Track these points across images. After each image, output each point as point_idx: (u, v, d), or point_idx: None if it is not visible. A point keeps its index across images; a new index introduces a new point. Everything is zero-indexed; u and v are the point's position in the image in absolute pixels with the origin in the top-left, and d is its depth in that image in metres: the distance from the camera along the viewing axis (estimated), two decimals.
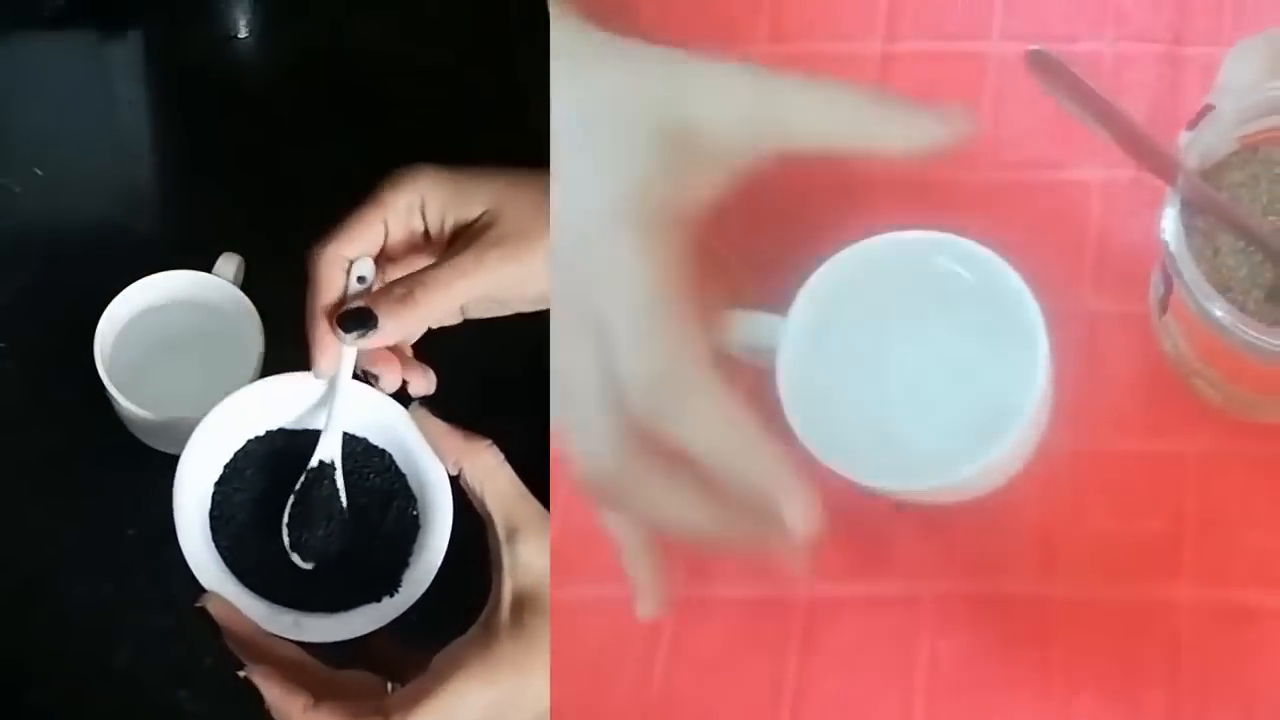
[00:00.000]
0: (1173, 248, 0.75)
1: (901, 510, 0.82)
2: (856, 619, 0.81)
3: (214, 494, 0.78)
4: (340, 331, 0.77)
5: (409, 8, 1.04)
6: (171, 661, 0.86)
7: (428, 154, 0.96)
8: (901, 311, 0.81)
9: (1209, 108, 0.77)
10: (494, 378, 0.93)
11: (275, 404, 0.79)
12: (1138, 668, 0.78)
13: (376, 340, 0.78)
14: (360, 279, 0.79)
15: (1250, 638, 0.78)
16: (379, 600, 0.78)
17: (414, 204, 0.80)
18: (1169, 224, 0.76)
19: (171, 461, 0.77)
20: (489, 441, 0.77)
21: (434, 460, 0.79)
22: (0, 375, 0.93)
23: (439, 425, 0.78)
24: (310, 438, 0.79)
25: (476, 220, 0.80)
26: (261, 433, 0.79)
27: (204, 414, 0.77)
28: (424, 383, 0.81)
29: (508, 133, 0.94)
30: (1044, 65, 0.77)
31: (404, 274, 0.79)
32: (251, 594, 0.76)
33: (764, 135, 0.76)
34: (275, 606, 0.76)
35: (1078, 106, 0.76)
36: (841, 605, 0.82)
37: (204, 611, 0.75)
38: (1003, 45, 0.91)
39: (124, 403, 0.88)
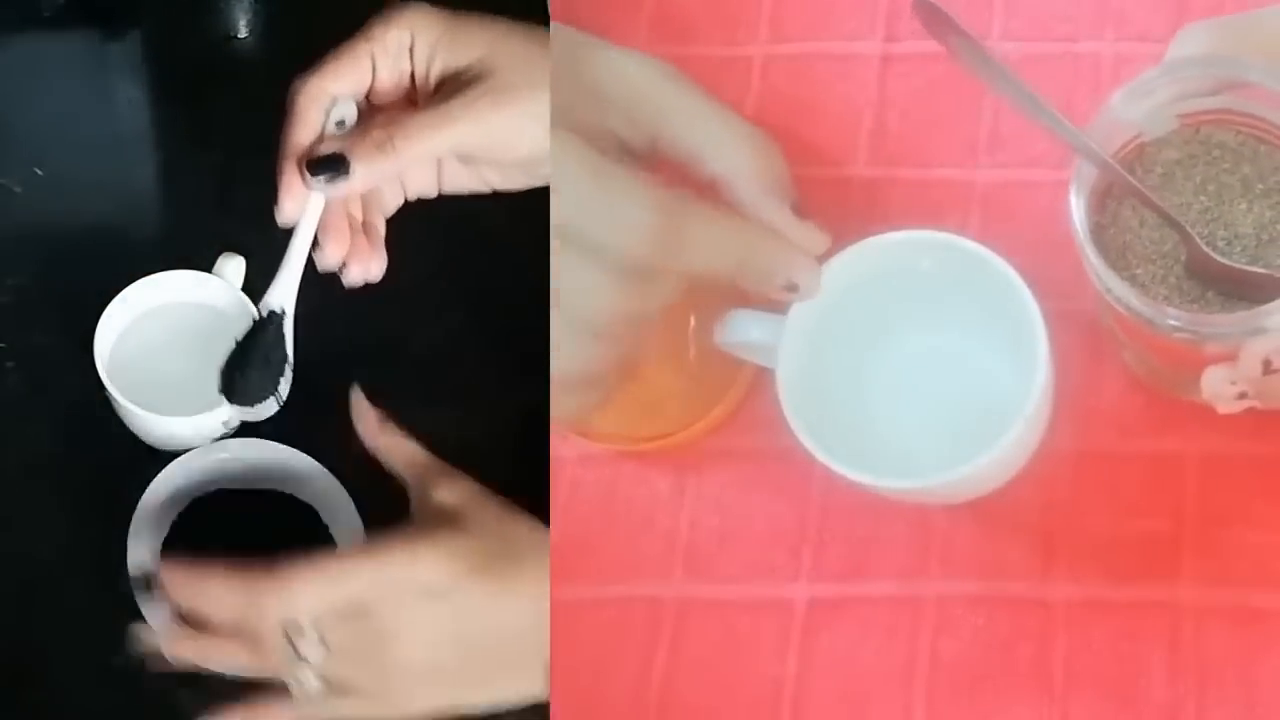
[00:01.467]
0: (1075, 219, 0.75)
1: (901, 510, 0.83)
2: (856, 619, 0.81)
3: (161, 552, 0.84)
4: (308, 175, 0.74)
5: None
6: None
7: None
8: (901, 311, 0.81)
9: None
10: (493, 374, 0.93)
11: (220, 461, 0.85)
12: (1138, 668, 0.78)
13: (347, 188, 0.74)
14: (339, 123, 0.75)
15: (1250, 637, 0.78)
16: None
17: (404, 42, 0.75)
18: (1074, 195, 0.75)
19: (171, 457, 0.84)
20: (382, 415, 0.78)
21: (339, 491, 0.84)
22: (0, 375, 0.93)
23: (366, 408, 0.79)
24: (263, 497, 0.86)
25: (466, 69, 0.75)
26: (206, 493, 0.86)
27: (204, 413, 0.80)
28: (373, 268, 0.78)
29: None
30: (932, 17, 0.74)
31: (385, 118, 0.75)
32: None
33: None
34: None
35: (970, 62, 0.75)
36: (841, 605, 0.82)
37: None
38: (1003, 45, 0.91)
39: (125, 403, 0.87)
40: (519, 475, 0.87)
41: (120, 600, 0.86)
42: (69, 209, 0.97)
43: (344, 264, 0.77)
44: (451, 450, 0.90)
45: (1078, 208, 0.75)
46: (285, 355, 0.77)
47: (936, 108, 0.90)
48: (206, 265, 0.93)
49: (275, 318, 0.77)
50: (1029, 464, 0.80)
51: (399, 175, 0.76)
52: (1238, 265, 0.74)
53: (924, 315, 0.82)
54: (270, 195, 0.77)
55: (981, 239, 0.78)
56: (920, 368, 0.83)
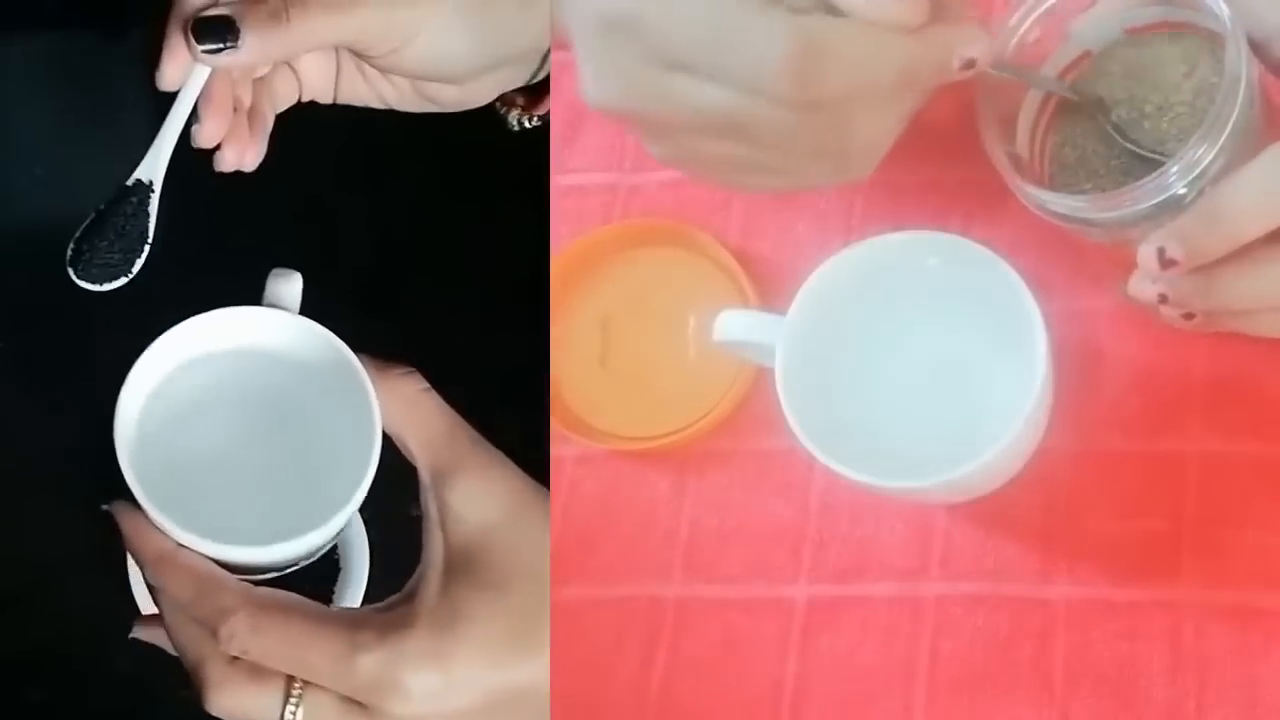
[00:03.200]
0: (985, 135, 0.77)
1: (901, 510, 0.83)
2: (856, 619, 0.81)
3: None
4: (193, 40, 0.70)
5: None
6: (171, 661, 0.86)
7: (428, 152, 0.96)
8: (901, 311, 0.81)
9: None
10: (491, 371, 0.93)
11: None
12: (1138, 668, 0.78)
13: (235, 59, 0.70)
14: None
15: (1250, 637, 0.78)
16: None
17: None
18: (983, 112, 0.78)
19: None
20: (408, 368, 0.69)
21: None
22: (0, 375, 0.93)
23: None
24: None
25: None
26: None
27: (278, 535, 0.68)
28: (248, 155, 0.73)
29: (507, 132, 0.94)
30: None
31: None
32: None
33: None
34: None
35: None
36: (841, 605, 0.82)
37: (109, 516, 0.70)
38: None
39: (174, 529, 0.68)
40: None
41: (120, 600, 0.86)
42: (69, 209, 0.97)
43: (219, 145, 0.74)
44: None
45: (986, 129, 0.77)
46: (145, 232, 0.71)
47: (935, 108, 0.90)
48: (206, 263, 0.93)
49: (141, 188, 0.72)
50: (1029, 464, 0.80)
51: (292, 58, 0.72)
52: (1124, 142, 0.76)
53: (924, 315, 0.82)
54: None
55: (981, 239, 0.78)
56: (919, 368, 0.83)
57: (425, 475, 0.68)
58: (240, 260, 0.75)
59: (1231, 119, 0.73)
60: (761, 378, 0.84)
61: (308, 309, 0.71)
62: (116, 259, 0.72)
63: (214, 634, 0.67)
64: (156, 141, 0.71)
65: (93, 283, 0.72)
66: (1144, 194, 0.74)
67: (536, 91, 0.80)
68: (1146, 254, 0.73)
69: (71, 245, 0.71)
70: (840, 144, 0.72)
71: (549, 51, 0.77)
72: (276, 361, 0.69)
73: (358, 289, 0.89)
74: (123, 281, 0.71)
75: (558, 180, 0.90)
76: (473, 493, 0.67)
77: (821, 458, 0.77)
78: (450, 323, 0.93)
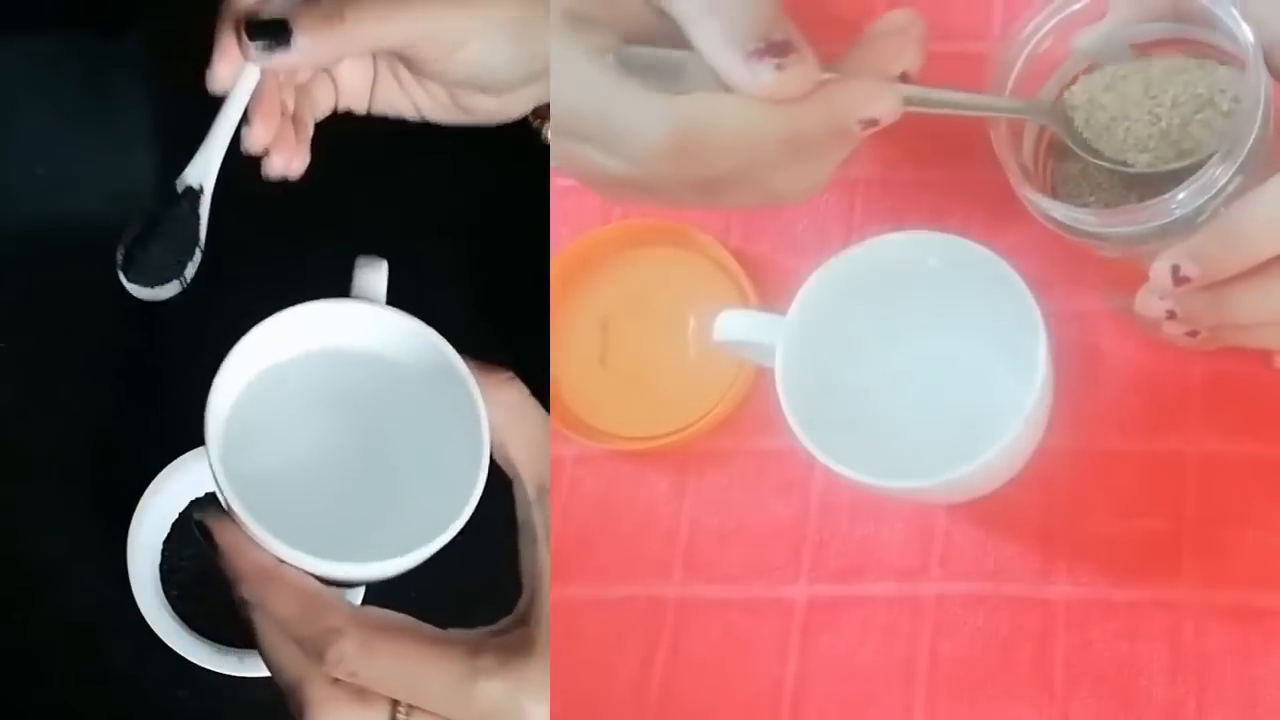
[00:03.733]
0: (994, 140, 0.77)
1: (901, 510, 0.83)
2: (856, 619, 0.81)
3: (163, 550, 0.83)
4: (247, 40, 0.69)
5: None
6: (171, 661, 0.86)
7: (428, 151, 0.96)
8: (901, 311, 0.81)
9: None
10: None
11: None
12: (1138, 668, 0.78)
13: (287, 60, 0.69)
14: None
15: (1250, 637, 0.78)
16: None
17: None
18: (992, 126, 0.78)
19: (172, 457, 0.83)
20: (510, 373, 0.66)
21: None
22: (0, 375, 0.93)
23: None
24: None
25: None
26: (203, 494, 0.83)
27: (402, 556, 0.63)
28: (295, 163, 0.73)
29: (507, 132, 0.94)
30: None
31: None
32: (198, 637, 0.80)
33: None
34: (220, 647, 0.80)
35: None
36: (841, 605, 0.82)
37: (201, 527, 0.65)
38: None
39: (275, 544, 0.63)
40: None
41: (120, 600, 0.86)
42: (69, 209, 0.97)
43: (268, 150, 0.73)
44: None
45: (997, 137, 0.78)
46: (196, 236, 0.70)
47: (936, 119, 0.90)
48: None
49: (191, 194, 0.71)
50: (1029, 464, 0.80)
51: (344, 60, 0.72)
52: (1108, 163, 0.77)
53: (924, 315, 0.82)
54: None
55: (982, 239, 0.78)
56: (920, 367, 0.83)
57: (529, 488, 0.66)
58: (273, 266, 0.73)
59: (1251, 139, 0.73)
60: (761, 378, 0.84)
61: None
62: (169, 264, 0.71)
63: (319, 655, 0.63)
64: (206, 144, 0.70)
65: (146, 287, 0.71)
66: (1159, 211, 0.74)
67: None
68: (1160, 271, 0.73)
69: (121, 250, 0.70)
70: (753, 200, 0.72)
71: None
72: (372, 361, 0.65)
73: None
74: (176, 286, 0.70)
75: (558, 180, 0.90)
76: None
77: (821, 458, 0.77)
78: (450, 322, 0.93)
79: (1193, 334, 0.76)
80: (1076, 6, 0.80)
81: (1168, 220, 0.74)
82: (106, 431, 0.91)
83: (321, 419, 0.67)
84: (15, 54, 1.01)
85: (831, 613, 0.82)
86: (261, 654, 0.65)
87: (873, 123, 0.70)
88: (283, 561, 0.63)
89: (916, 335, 0.82)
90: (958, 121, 0.90)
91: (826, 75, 0.71)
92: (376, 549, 0.63)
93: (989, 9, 0.92)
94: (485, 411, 0.62)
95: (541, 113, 0.83)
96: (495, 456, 0.64)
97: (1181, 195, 0.73)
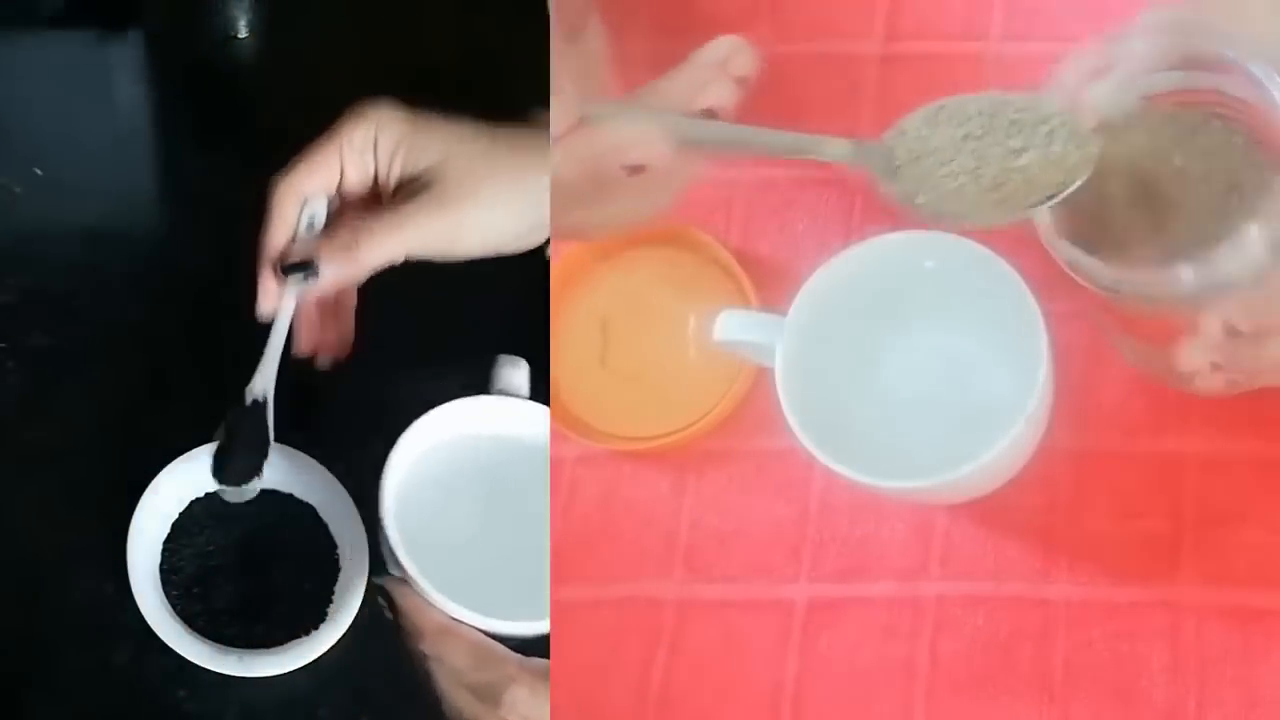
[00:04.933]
0: (1058, 246, 0.75)
1: (901, 510, 0.83)
2: (856, 619, 0.81)
3: (163, 550, 0.84)
4: (282, 278, 0.79)
5: (408, 6, 1.04)
6: (171, 661, 0.86)
7: None
8: (901, 311, 0.81)
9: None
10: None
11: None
12: (1138, 668, 0.78)
13: (319, 287, 0.79)
14: (309, 224, 0.80)
15: (1250, 637, 0.78)
16: (309, 634, 0.82)
17: (369, 140, 0.80)
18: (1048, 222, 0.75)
19: (172, 457, 0.83)
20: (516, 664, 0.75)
21: (352, 511, 0.82)
22: (0, 375, 0.93)
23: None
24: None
25: (423, 173, 0.79)
26: (202, 494, 0.84)
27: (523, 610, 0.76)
28: (336, 347, 0.82)
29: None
30: None
31: (350, 220, 0.80)
32: (198, 637, 0.82)
33: None
34: (220, 647, 0.82)
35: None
36: (841, 605, 0.82)
37: (383, 591, 0.77)
38: (1003, 45, 0.91)
39: (449, 604, 0.74)
40: None
41: (120, 600, 0.86)
42: (69, 209, 0.97)
43: (315, 351, 0.83)
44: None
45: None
46: (268, 439, 0.81)
47: None
48: (208, 262, 0.93)
49: (259, 406, 0.81)
50: (1029, 464, 0.80)
51: (365, 272, 0.80)
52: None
53: (924, 315, 0.82)
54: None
55: (982, 239, 0.78)
56: (920, 368, 0.83)
57: None
58: None
59: None
60: (761, 378, 0.84)
61: None
62: (252, 466, 0.81)
63: (495, 700, 0.72)
64: (263, 363, 0.81)
65: (234, 486, 0.81)
66: (1205, 273, 0.72)
67: None
68: (1210, 326, 0.72)
69: (213, 459, 0.81)
70: (590, 227, 0.78)
71: None
72: (513, 445, 0.77)
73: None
74: (257, 484, 0.81)
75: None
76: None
77: (821, 458, 0.77)
78: (450, 322, 0.93)
79: (1232, 382, 0.75)
80: (1094, 61, 0.77)
81: (1211, 283, 0.72)
82: (107, 431, 0.90)
83: (478, 495, 0.78)
84: (15, 54, 1.01)
85: (831, 613, 0.82)
86: (441, 700, 0.74)
87: (638, 169, 0.72)
88: (456, 620, 0.74)
89: (917, 335, 0.83)
90: None
91: (602, 109, 0.71)
92: (529, 610, 0.75)
93: (989, 9, 0.92)
94: None
95: None
96: None
97: (1227, 258, 0.71)
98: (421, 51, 1.03)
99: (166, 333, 0.93)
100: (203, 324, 0.90)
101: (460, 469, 0.77)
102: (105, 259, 0.95)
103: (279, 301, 0.81)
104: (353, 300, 0.83)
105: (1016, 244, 0.79)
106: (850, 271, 0.79)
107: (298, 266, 0.79)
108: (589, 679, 0.82)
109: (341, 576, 0.84)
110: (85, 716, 0.86)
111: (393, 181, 0.81)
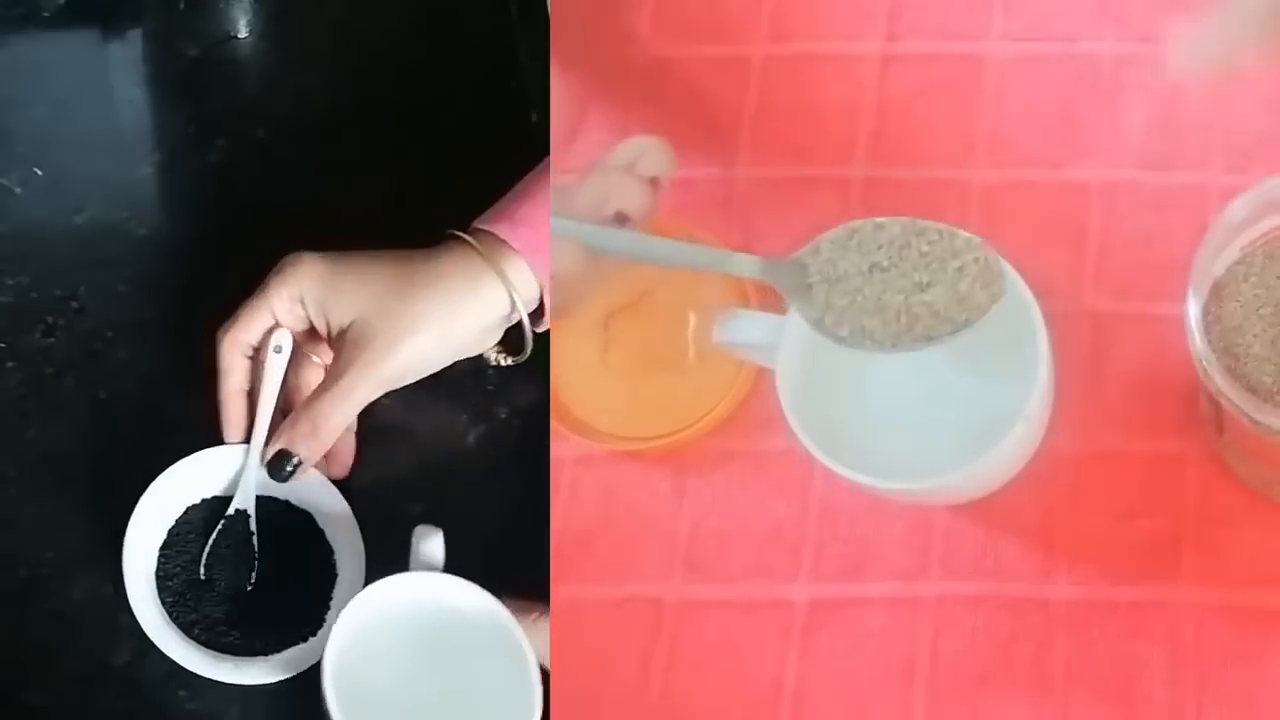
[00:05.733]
0: (1213, 373, 0.73)
1: (901, 510, 0.83)
2: (856, 619, 0.81)
3: (159, 557, 0.84)
4: (271, 475, 0.83)
5: (409, 7, 1.04)
6: (171, 662, 0.86)
7: (429, 153, 0.96)
8: None
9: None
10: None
11: (211, 474, 0.85)
12: (1138, 668, 0.78)
13: (306, 468, 0.83)
14: (277, 349, 0.85)
15: (1250, 637, 0.78)
16: (305, 640, 0.83)
17: (295, 296, 0.84)
18: (1198, 342, 0.74)
19: (172, 457, 0.84)
20: (542, 608, 0.79)
21: (348, 518, 0.85)
22: (0, 375, 0.93)
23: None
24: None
25: (352, 324, 0.83)
26: (198, 500, 0.85)
27: None
28: (336, 467, 0.86)
29: (507, 132, 0.94)
30: None
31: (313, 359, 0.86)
32: (194, 644, 0.82)
33: None
34: (216, 654, 0.82)
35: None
36: (841, 605, 0.82)
37: None
38: (1003, 45, 0.91)
39: None
40: (519, 475, 0.87)
41: (120, 600, 0.86)
42: (69, 209, 0.97)
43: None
44: (451, 450, 0.90)
45: (1207, 358, 0.74)
46: (254, 548, 0.85)
47: (935, 108, 0.90)
48: (204, 262, 0.93)
49: (242, 515, 0.85)
50: (1029, 464, 0.80)
51: (334, 439, 0.84)
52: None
53: None
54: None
55: (982, 239, 0.78)
56: (920, 368, 0.83)
57: None
58: None
59: None
60: (761, 378, 0.84)
61: None
62: (240, 575, 0.85)
63: None
64: (241, 480, 0.85)
65: (226, 591, 0.84)
66: None
67: (519, 346, 0.87)
68: None
69: (203, 571, 0.84)
70: None
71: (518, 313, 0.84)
72: (439, 610, 0.80)
73: None
74: (249, 588, 0.84)
75: (558, 180, 0.90)
76: None
77: (821, 458, 0.77)
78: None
79: None
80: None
81: None
82: (106, 432, 0.90)
83: (407, 656, 0.81)
84: (15, 54, 1.01)
85: (831, 613, 0.82)
86: None
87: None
88: None
89: None
90: (957, 122, 0.90)
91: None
92: None
93: (989, 9, 0.92)
94: (529, 646, 0.77)
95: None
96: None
97: None
98: (422, 51, 1.03)
99: (166, 333, 0.93)
100: (202, 324, 0.90)
101: (395, 639, 0.80)
102: (105, 259, 0.95)
103: (243, 430, 0.85)
104: (354, 428, 0.86)
105: (1017, 244, 0.79)
106: None
107: (280, 463, 0.83)
108: (589, 679, 0.82)
109: (339, 583, 0.84)
110: (85, 716, 0.86)
111: (330, 329, 0.84)
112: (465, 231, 0.84)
